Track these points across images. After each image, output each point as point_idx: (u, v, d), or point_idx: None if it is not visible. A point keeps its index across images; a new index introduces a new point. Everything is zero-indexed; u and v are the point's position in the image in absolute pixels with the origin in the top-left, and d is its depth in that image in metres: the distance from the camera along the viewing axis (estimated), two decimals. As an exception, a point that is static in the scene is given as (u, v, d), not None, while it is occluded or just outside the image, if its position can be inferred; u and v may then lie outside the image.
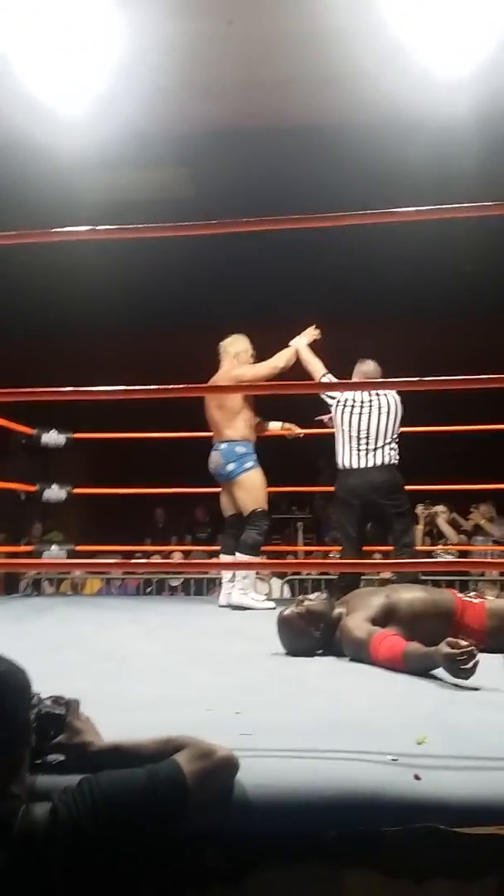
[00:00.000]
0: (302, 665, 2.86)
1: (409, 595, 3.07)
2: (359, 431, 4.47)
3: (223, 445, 4.75)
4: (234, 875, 1.46)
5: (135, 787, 1.36)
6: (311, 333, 4.89)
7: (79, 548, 5.53)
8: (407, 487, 4.62)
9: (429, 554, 6.52)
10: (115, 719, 1.73)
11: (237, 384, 4.73)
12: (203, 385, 4.34)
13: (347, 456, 4.49)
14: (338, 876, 1.45)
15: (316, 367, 4.74)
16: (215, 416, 4.80)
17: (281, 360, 4.78)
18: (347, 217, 2.54)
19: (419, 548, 6.54)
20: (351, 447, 4.47)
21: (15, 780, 1.37)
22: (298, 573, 6.20)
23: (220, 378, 4.80)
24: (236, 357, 4.85)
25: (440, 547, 6.64)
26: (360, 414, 4.48)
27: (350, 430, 4.48)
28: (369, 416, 4.47)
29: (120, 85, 4.63)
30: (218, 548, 5.22)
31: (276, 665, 2.89)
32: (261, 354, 4.91)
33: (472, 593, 3.56)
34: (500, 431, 5.32)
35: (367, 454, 4.44)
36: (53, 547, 5.47)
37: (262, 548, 4.99)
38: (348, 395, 4.57)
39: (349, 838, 1.45)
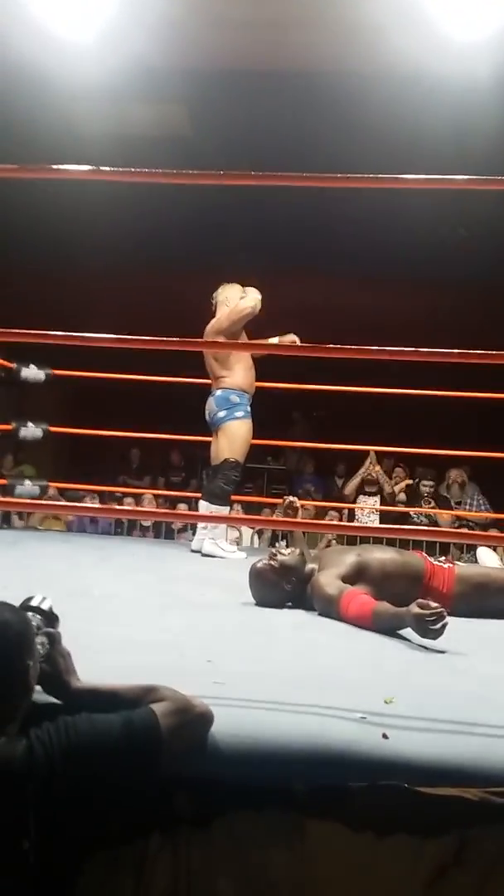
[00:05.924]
0: (272, 617, 2.90)
1: (381, 555, 3.11)
2: None
3: (218, 392, 4.72)
4: (202, 818, 1.50)
5: (110, 733, 1.39)
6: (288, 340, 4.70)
7: (52, 484, 5.48)
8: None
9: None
10: (87, 659, 1.74)
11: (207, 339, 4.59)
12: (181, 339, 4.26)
13: None
14: (302, 825, 1.49)
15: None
16: (212, 364, 4.77)
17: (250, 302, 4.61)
18: (349, 180, 2.48)
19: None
20: None
21: (11, 723, 1.40)
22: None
23: (207, 329, 4.75)
24: (224, 304, 4.80)
25: (414, 509, 6.73)
26: None
27: None
28: None
29: (127, 13, 4.47)
30: (190, 495, 5.19)
31: (246, 615, 2.92)
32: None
33: (442, 558, 3.62)
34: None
35: None
36: (27, 482, 5.42)
37: (234, 497, 4.99)
38: None
39: (316, 791, 1.49)
